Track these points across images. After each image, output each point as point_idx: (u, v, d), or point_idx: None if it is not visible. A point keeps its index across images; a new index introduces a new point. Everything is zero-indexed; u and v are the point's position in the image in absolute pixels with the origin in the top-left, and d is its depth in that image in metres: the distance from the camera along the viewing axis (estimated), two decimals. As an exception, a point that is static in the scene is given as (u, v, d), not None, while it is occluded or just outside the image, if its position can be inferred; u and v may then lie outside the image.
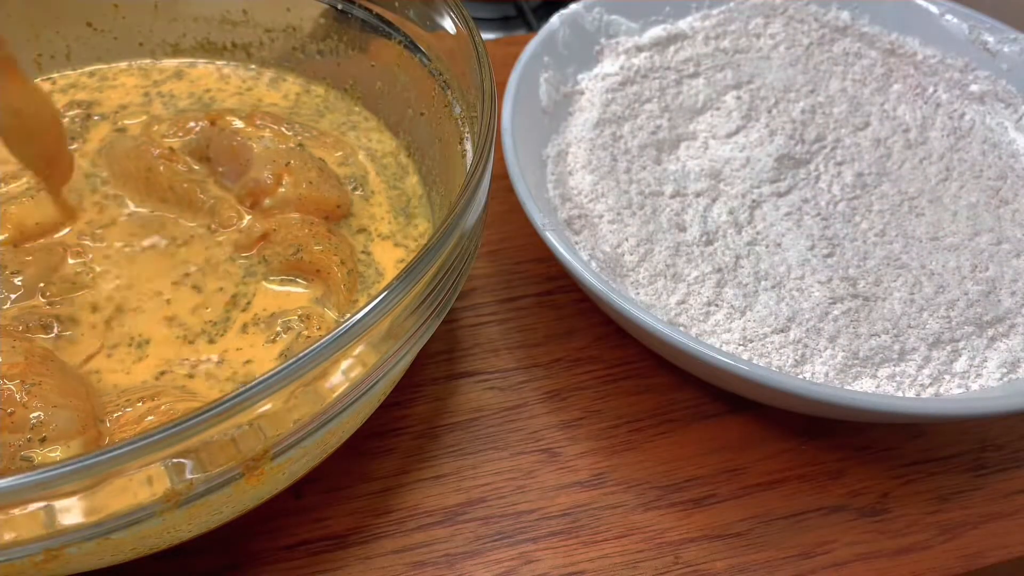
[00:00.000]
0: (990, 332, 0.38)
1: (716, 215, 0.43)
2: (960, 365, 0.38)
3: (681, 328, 0.38)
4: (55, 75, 0.47)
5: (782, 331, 0.38)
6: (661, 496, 0.37)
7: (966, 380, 0.37)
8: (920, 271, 0.41)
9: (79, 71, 0.48)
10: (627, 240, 0.41)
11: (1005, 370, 0.37)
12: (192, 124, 0.44)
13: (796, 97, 0.50)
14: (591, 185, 0.44)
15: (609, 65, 0.51)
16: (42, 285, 0.36)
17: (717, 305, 0.39)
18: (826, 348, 0.38)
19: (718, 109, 0.49)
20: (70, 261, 0.38)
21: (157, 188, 0.41)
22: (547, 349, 0.42)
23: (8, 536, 0.24)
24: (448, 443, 0.38)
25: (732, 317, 0.39)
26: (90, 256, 0.38)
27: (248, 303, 0.37)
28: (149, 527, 0.27)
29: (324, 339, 0.26)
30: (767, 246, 0.42)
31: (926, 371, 0.37)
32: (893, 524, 0.36)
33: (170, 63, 0.49)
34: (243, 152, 0.40)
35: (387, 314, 0.28)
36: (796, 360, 0.37)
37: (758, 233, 0.43)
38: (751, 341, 0.38)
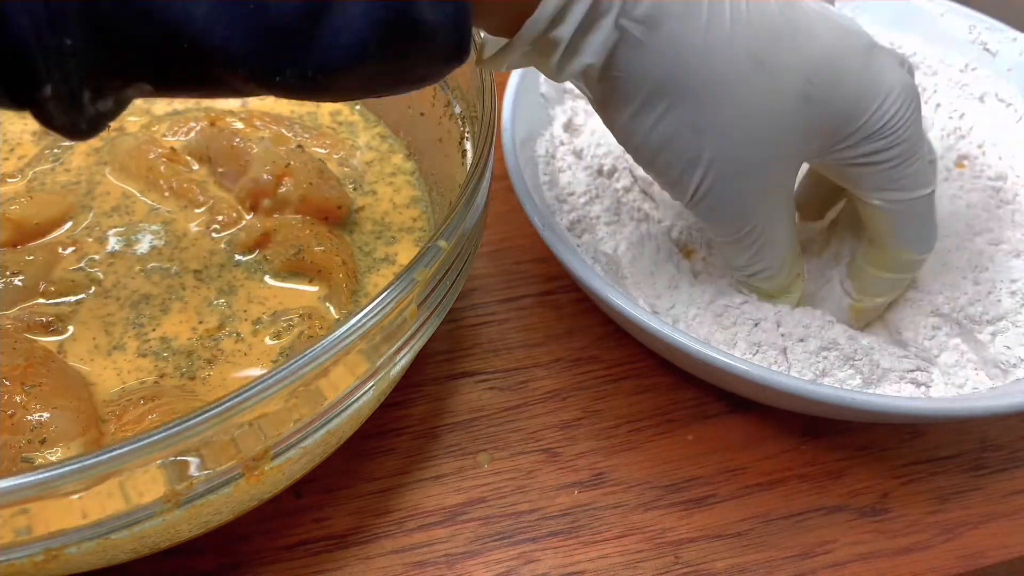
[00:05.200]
0: (990, 331, 0.38)
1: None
2: (960, 364, 0.38)
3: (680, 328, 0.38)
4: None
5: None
6: (661, 496, 0.37)
7: (966, 379, 0.37)
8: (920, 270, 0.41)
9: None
10: (625, 240, 0.41)
11: (1004, 370, 0.37)
12: (192, 124, 0.44)
13: (796, 97, 0.49)
14: (587, 186, 0.43)
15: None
16: (42, 285, 0.36)
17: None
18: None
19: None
20: (70, 261, 0.38)
21: (157, 187, 0.41)
22: (547, 349, 0.42)
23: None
24: (448, 443, 0.38)
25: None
26: (90, 256, 0.38)
27: (249, 302, 0.37)
28: (149, 527, 0.27)
29: (324, 339, 0.26)
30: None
31: (927, 370, 0.37)
32: (893, 524, 0.36)
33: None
34: (243, 153, 0.40)
35: (387, 314, 0.28)
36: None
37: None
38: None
